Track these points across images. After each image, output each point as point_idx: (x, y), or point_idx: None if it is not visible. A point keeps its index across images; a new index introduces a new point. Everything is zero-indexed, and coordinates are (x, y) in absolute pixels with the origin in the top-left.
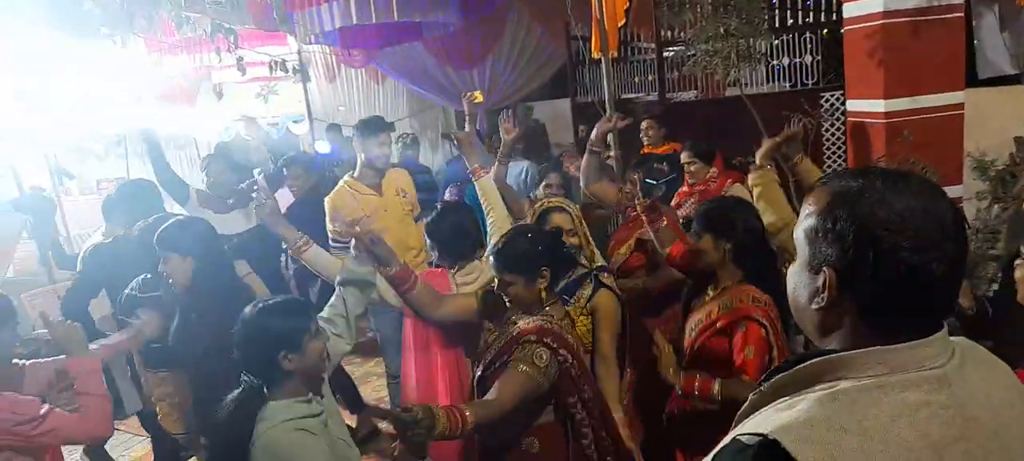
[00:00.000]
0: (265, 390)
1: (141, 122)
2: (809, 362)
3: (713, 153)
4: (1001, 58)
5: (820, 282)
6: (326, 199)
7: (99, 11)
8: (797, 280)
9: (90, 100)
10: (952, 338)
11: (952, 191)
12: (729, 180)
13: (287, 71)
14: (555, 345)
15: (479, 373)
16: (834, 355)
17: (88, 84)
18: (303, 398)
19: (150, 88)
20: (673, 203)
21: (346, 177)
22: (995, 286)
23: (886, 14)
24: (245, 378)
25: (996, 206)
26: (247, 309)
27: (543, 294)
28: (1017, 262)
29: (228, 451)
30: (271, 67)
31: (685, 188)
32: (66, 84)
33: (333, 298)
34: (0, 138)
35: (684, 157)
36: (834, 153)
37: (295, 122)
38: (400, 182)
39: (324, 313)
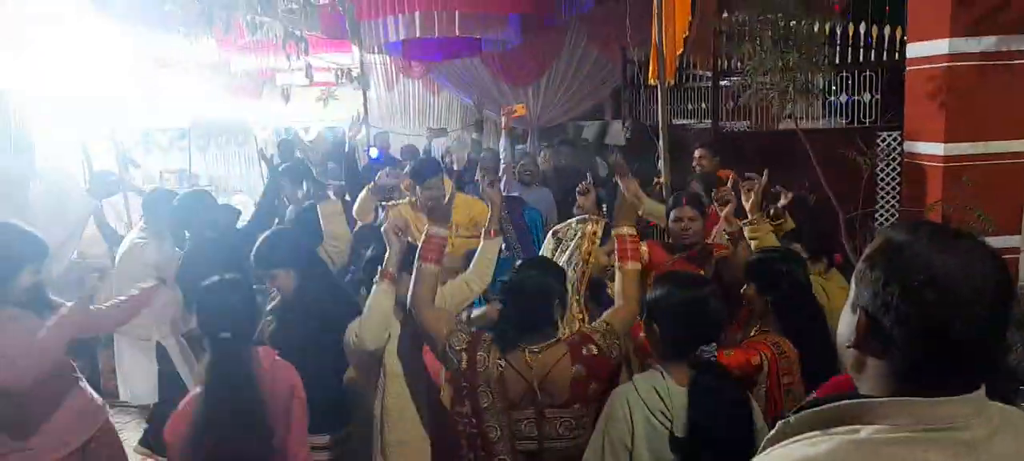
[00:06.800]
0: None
1: (207, 116)
2: (837, 403)
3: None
4: None
5: (854, 322)
6: (394, 208)
7: (179, 11)
8: (842, 318)
9: (161, 93)
10: (1001, 405)
11: (1008, 241)
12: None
13: (352, 80)
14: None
15: None
16: (862, 400)
17: (161, 78)
18: None
19: (218, 86)
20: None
21: (408, 198)
22: None
23: (951, 57)
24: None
25: None
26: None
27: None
28: None
29: None
30: (338, 75)
31: None
32: (141, 77)
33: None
34: (75, 122)
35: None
36: (888, 194)
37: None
38: (473, 213)
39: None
